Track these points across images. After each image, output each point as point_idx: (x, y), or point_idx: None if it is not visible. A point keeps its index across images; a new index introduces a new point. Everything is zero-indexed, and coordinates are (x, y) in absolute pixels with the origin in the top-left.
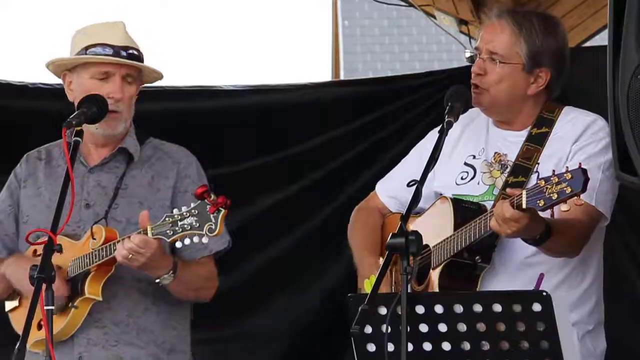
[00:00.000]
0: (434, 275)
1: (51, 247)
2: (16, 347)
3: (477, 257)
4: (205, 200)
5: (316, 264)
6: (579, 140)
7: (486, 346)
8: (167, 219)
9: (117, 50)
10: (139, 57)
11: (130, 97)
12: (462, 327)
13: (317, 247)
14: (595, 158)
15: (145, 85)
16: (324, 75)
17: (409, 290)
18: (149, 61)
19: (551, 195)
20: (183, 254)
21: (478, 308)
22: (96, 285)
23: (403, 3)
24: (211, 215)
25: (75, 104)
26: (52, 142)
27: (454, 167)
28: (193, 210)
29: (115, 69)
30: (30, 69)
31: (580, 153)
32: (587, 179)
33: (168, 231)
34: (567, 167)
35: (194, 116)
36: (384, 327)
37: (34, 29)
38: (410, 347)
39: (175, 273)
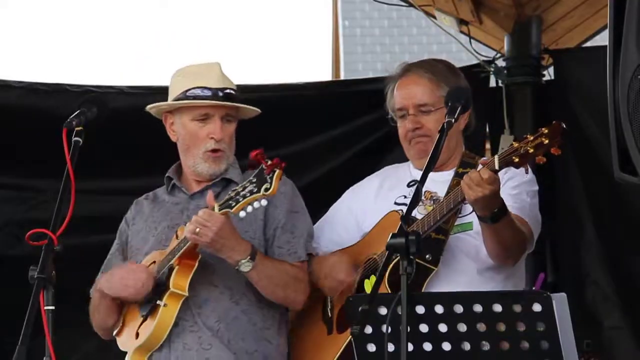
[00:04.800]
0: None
1: (51, 247)
2: (17, 347)
3: (428, 255)
4: (262, 164)
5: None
6: (508, 171)
7: (486, 346)
8: (231, 193)
9: (215, 92)
10: (236, 97)
11: (231, 135)
12: (462, 327)
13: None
14: (526, 185)
15: (146, 85)
16: (324, 75)
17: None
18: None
19: (527, 150)
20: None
21: (478, 308)
22: (182, 279)
23: (403, 3)
24: (267, 177)
25: (179, 145)
26: (53, 142)
27: (385, 207)
28: (252, 179)
29: (214, 110)
30: (31, 70)
31: (512, 181)
32: (565, 131)
33: (231, 202)
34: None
35: None
36: (384, 327)
37: (34, 30)
38: (410, 347)
39: (254, 260)
